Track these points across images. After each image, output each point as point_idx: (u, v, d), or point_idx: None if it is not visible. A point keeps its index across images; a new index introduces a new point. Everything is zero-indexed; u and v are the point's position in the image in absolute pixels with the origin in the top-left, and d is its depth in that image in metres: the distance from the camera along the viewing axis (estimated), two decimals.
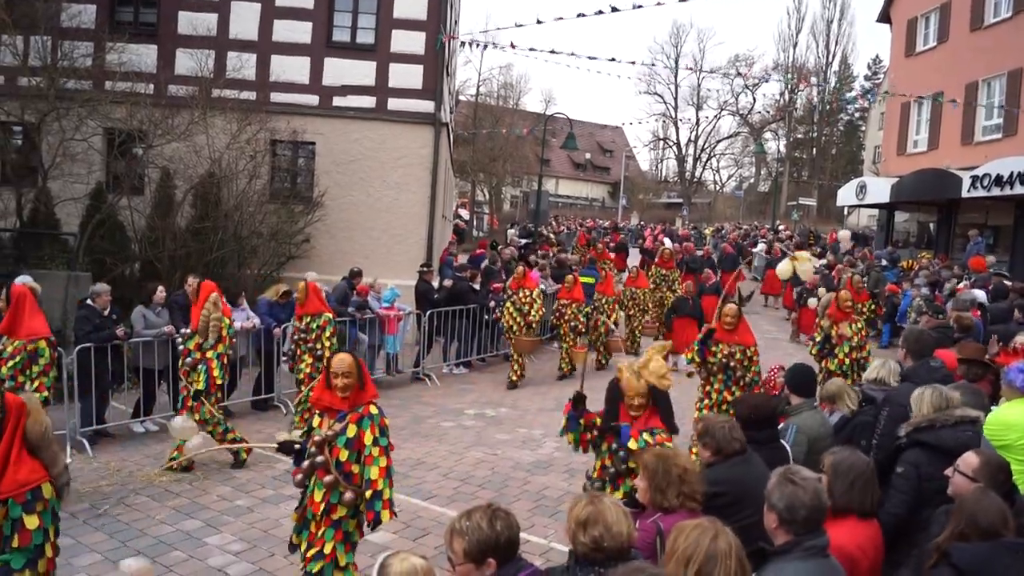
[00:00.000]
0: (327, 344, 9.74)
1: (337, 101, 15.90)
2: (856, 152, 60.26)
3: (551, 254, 19.72)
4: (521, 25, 15.38)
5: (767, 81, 55.28)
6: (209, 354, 8.20)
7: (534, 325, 13.09)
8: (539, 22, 14.48)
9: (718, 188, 69.33)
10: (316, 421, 4.89)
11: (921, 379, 5.45)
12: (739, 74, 45.52)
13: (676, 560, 2.72)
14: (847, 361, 9.56)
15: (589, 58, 15.34)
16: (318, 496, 4.69)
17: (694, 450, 6.42)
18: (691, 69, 54.83)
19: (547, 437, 9.73)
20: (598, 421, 5.33)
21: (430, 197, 16.12)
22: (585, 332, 13.84)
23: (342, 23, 16.04)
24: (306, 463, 4.70)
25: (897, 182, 22.51)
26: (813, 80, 55.79)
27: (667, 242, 21.20)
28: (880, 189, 23.65)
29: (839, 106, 59.48)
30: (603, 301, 14.36)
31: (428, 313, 12.85)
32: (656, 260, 18.38)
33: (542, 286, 15.39)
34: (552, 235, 28.03)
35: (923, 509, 4.33)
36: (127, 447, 9.04)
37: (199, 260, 12.96)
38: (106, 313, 9.27)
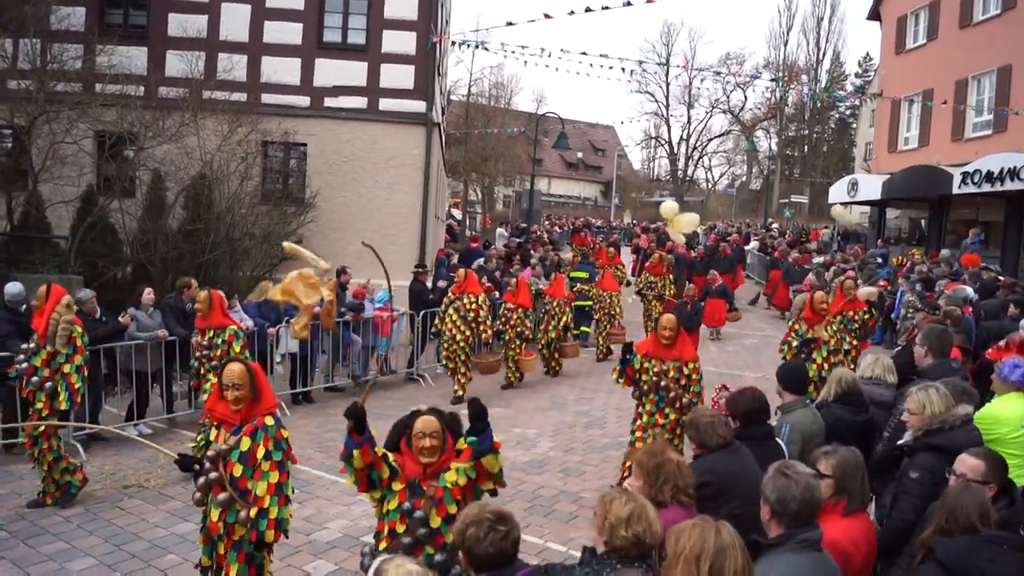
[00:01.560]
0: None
1: (328, 102, 15.88)
2: (847, 149, 60.47)
3: (543, 253, 19.74)
4: (512, 24, 15.37)
5: (759, 77, 55.31)
6: (66, 368, 7.29)
7: (490, 340, 12.17)
8: (531, 21, 14.47)
9: (710, 186, 69.43)
10: (213, 434, 4.58)
11: (938, 377, 5.45)
12: (730, 73, 45.48)
13: (685, 560, 2.70)
14: (825, 366, 8.92)
15: (581, 54, 15.34)
16: (215, 515, 4.39)
17: (625, 471, 6.84)
18: (682, 67, 54.84)
19: (541, 437, 9.73)
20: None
21: (422, 197, 16.12)
22: (532, 338, 13.31)
23: (333, 24, 16.04)
24: (201, 480, 4.40)
25: (888, 179, 22.59)
26: (804, 78, 55.94)
27: (679, 239, 20.17)
28: (871, 186, 23.73)
29: (830, 104, 59.61)
30: (554, 304, 13.52)
31: (422, 313, 12.84)
32: (647, 265, 17.54)
33: (537, 284, 15.37)
34: (545, 234, 28.04)
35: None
36: (121, 450, 9.01)
37: (191, 262, 12.94)
38: (97, 316, 9.25)
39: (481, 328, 11.63)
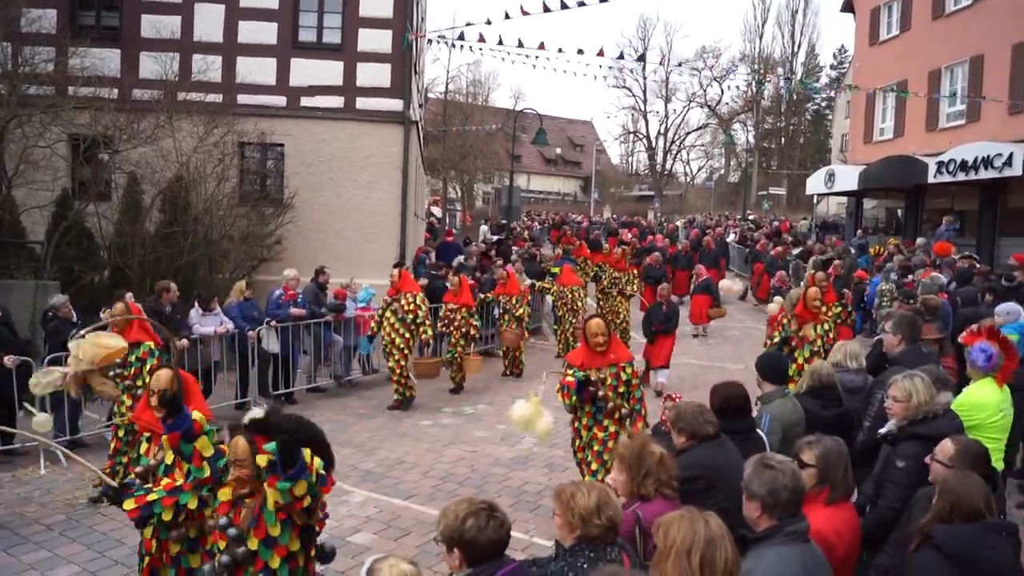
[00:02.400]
0: (148, 380, 8.78)
1: (305, 101, 15.80)
2: (824, 141, 60.89)
3: (525, 250, 19.74)
4: (489, 23, 15.32)
5: (735, 71, 55.56)
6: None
7: (430, 341, 11.36)
8: (507, 16, 14.44)
9: (689, 180, 69.72)
10: (143, 447, 4.41)
11: (911, 364, 5.50)
12: (707, 67, 45.76)
13: (676, 553, 2.71)
14: (806, 367, 7.83)
15: (558, 51, 15.35)
16: (148, 532, 4.22)
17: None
18: (660, 64, 55.01)
19: (526, 437, 9.73)
20: None
21: (401, 196, 16.08)
22: (478, 338, 13.08)
23: (308, 23, 15.95)
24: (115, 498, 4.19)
25: (865, 169, 22.78)
26: (780, 71, 56.26)
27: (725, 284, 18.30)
28: (848, 177, 23.94)
29: (806, 96, 59.99)
30: (512, 301, 13.13)
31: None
32: (611, 260, 16.14)
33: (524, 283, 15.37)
34: (525, 231, 28.03)
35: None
36: (102, 456, 8.88)
37: (169, 265, 12.83)
38: (73, 321, 9.18)
39: (421, 329, 10.96)
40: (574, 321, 13.98)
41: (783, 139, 65.48)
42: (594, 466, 6.43)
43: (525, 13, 14.04)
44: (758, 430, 4.98)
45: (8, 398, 8.61)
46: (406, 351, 10.94)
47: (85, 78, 13.55)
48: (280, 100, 15.76)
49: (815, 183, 27.06)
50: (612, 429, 6.39)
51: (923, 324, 6.91)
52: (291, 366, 11.52)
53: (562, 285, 14.57)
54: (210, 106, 14.40)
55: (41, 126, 12.90)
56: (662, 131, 65.39)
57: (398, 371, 11.01)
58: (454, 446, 9.32)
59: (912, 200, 23.27)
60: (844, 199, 29.98)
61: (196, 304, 10.71)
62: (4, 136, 12.77)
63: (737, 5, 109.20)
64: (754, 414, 5.26)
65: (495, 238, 23.63)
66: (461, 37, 15.61)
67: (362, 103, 15.87)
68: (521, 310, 13.19)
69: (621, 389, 6.37)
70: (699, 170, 70.12)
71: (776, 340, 8.90)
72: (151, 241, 13.23)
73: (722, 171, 69.10)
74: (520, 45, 15.55)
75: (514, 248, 20.01)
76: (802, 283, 11.94)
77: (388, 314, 10.98)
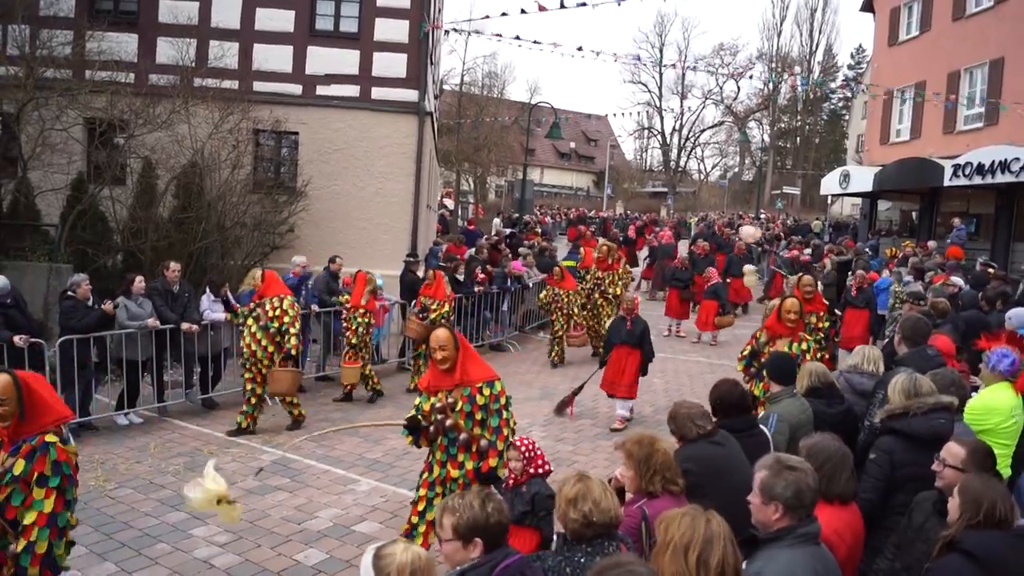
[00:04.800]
0: None
1: (320, 90, 15.82)
2: (840, 141, 60.63)
3: (536, 243, 19.70)
4: (505, 14, 15.31)
5: (752, 69, 55.31)
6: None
7: (297, 352, 9.55)
8: (523, 12, 14.43)
9: (703, 177, 69.53)
10: None
11: (915, 366, 5.49)
12: (723, 64, 45.57)
13: (674, 549, 2.71)
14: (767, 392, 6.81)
15: (577, 49, 15.33)
16: None
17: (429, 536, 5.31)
18: (673, 65, 54.90)
19: (533, 426, 9.75)
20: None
21: (414, 187, 16.08)
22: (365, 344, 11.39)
23: (325, 11, 15.97)
24: None
25: (880, 171, 22.64)
26: (797, 69, 55.98)
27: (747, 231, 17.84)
28: (863, 178, 23.78)
29: (823, 95, 59.69)
30: (434, 305, 11.69)
31: (413, 303, 12.81)
32: (596, 259, 14.88)
33: (527, 276, 15.33)
34: (537, 225, 27.97)
35: (897, 494, 4.40)
36: (112, 440, 8.98)
37: (182, 250, 12.85)
38: (89, 303, 9.20)
39: (286, 339, 9.25)
40: (567, 328, 13.44)
41: (798, 138, 65.18)
42: (420, 506, 5.40)
43: (542, 9, 14.01)
44: (762, 427, 4.97)
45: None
46: (266, 363, 9.29)
47: (102, 62, 13.61)
48: (296, 88, 15.78)
49: (830, 183, 26.90)
50: (469, 466, 5.16)
51: (931, 328, 6.88)
52: (301, 355, 11.52)
53: (556, 287, 13.55)
54: (226, 93, 14.42)
55: (58, 109, 12.95)
56: (677, 128, 65.27)
57: (249, 388, 9.40)
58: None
59: (927, 203, 23.13)
60: (858, 200, 29.80)
61: (207, 290, 10.76)
62: (21, 118, 12.84)
63: (755, 2, 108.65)
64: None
65: (507, 231, 23.60)
66: (478, 30, 15.59)
67: (377, 93, 15.87)
68: (436, 312, 11.56)
69: (478, 416, 5.14)
70: (713, 167, 70.02)
71: (746, 353, 7.89)
72: (164, 226, 13.28)
73: (736, 169, 68.90)
74: (536, 43, 15.52)
75: (525, 242, 19.97)
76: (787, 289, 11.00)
77: (250, 322, 9.37)
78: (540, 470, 4.81)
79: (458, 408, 5.15)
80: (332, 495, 7.40)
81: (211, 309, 10.48)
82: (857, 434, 5.52)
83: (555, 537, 3.52)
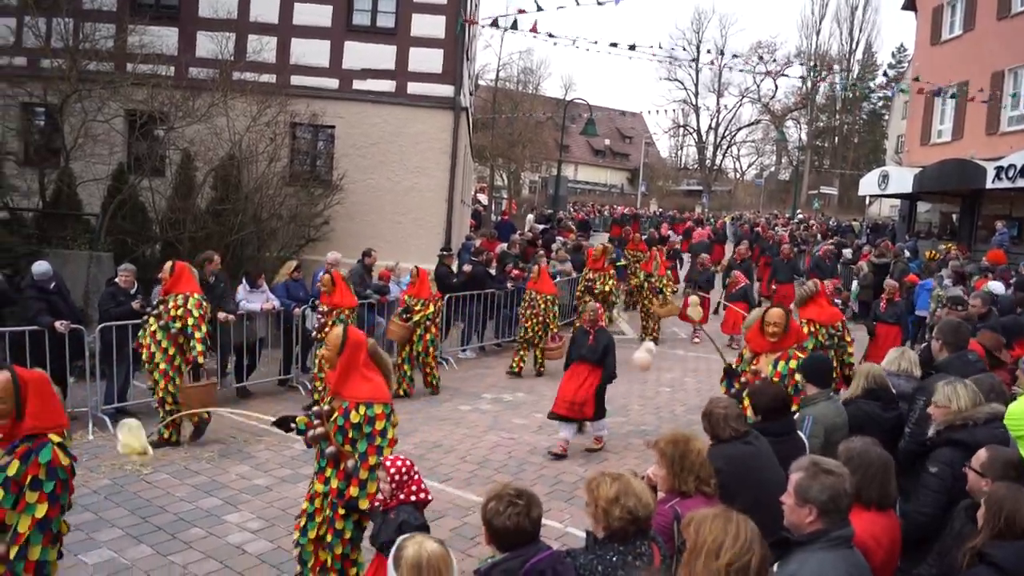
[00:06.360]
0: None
1: (357, 85, 15.92)
2: (879, 141, 59.79)
3: (571, 240, 19.64)
4: (541, 10, 15.30)
5: (789, 67, 54.69)
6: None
7: (199, 360, 8.31)
8: (560, 8, 14.41)
9: (738, 176, 68.96)
10: None
11: (956, 371, 5.40)
12: (761, 61, 45.09)
13: (707, 552, 2.70)
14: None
15: (612, 45, 15.32)
16: None
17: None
18: (710, 62, 54.37)
19: (562, 425, 9.72)
20: None
21: (449, 182, 16.14)
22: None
23: (362, 6, 16.07)
24: None
25: (920, 172, 22.31)
26: (836, 68, 55.30)
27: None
28: (903, 179, 23.46)
29: (862, 94, 58.89)
30: (418, 305, 11.05)
31: (446, 297, 12.87)
32: (589, 259, 14.37)
33: (553, 270, 15.15)
34: (571, 222, 27.89)
35: (952, 507, 4.31)
36: (148, 425, 9.03)
37: (219, 242, 13.01)
38: (132, 292, 9.33)
39: (191, 345, 8.26)
40: (543, 336, 12.31)
41: (836, 138, 64.39)
42: (301, 522, 4.98)
43: (578, 3, 13.97)
44: (798, 432, 4.93)
45: (60, 363, 8.83)
46: (169, 372, 8.33)
47: (143, 55, 13.81)
48: (332, 82, 15.89)
49: (868, 184, 26.57)
50: (334, 485, 4.78)
51: (971, 333, 6.77)
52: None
53: (534, 290, 12.48)
54: (264, 86, 14.58)
55: (100, 101, 13.16)
56: (713, 125, 64.80)
57: (159, 397, 8.47)
58: (492, 432, 9.36)
59: (968, 205, 22.74)
60: (897, 201, 29.38)
61: (244, 281, 10.89)
62: (64, 110, 13.08)
63: (795, 0, 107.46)
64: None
65: (541, 228, 23.58)
66: (515, 25, 15.59)
67: (413, 88, 15.94)
68: (420, 313, 11.03)
69: (350, 433, 4.72)
70: (749, 166, 69.39)
71: (725, 369, 7.00)
72: (202, 217, 13.45)
73: (773, 168, 68.26)
74: (572, 39, 15.48)
75: (559, 238, 19.94)
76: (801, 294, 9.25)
77: (151, 321, 8.38)
78: (413, 496, 4.30)
79: (333, 418, 4.77)
80: None
81: (247, 300, 10.61)
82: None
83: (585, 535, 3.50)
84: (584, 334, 8.88)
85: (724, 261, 19.48)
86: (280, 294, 11.07)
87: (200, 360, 8.31)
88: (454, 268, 13.74)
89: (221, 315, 9.97)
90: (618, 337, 15.18)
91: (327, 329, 8.92)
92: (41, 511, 3.75)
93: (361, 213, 15.67)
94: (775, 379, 6.00)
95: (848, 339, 8.91)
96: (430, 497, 4.43)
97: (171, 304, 8.25)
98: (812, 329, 8.50)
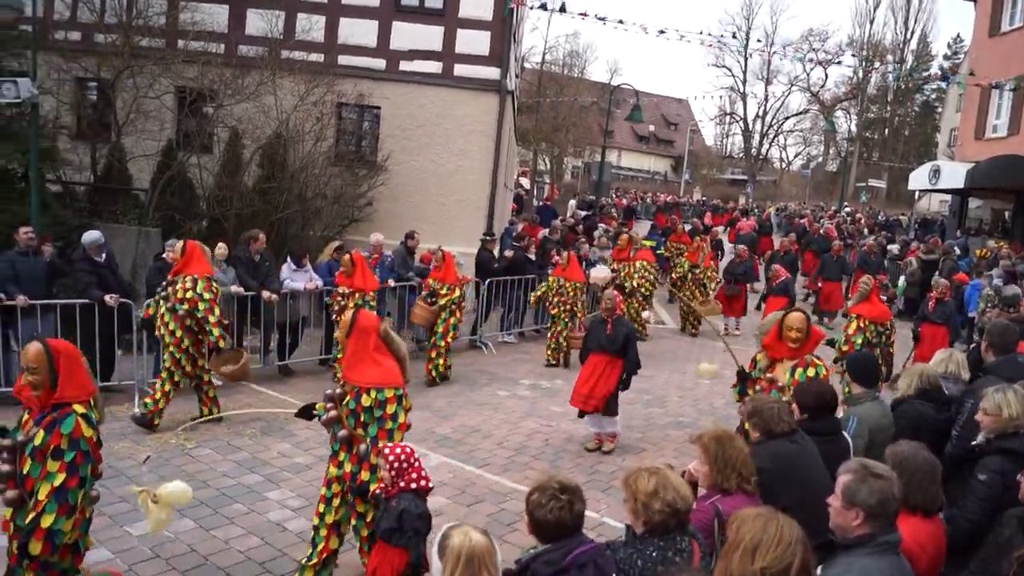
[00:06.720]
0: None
1: (403, 66, 15.90)
2: (931, 134, 58.47)
3: (614, 228, 19.50)
4: None
5: (841, 56, 53.64)
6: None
7: (220, 343, 8.22)
8: None
9: (784, 166, 68.00)
10: (24, 417, 4.11)
11: (1005, 375, 5.29)
12: (812, 49, 44.29)
13: (744, 550, 2.69)
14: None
15: (661, 32, 15.15)
16: (7, 513, 4.00)
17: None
18: (761, 50, 53.56)
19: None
20: None
21: (493, 165, 16.09)
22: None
23: None
24: (3, 468, 3.97)
25: (973, 167, 21.76)
26: (889, 58, 54.14)
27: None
28: (955, 174, 22.89)
29: (915, 86, 57.60)
30: (443, 289, 10.89)
31: (487, 282, 12.89)
32: (614, 250, 14.08)
33: (594, 257, 15.01)
34: (613, 208, 27.70)
35: (999, 514, 4.24)
36: (193, 400, 9.21)
37: (265, 220, 13.15)
38: None
39: (214, 326, 8.13)
40: (569, 324, 11.97)
41: (887, 130, 63.09)
42: (320, 509, 5.07)
43: None
44: (843, 432, 4.86)
45: (109, 336, 9.01)
46: (176, 355, 8.21)
47: (195, 32, 13.95)
48: (379, 63, 15.89)
49: (918, 178, 25.98)
50: (348, 468, 4.84)
51: (1019, 335, 6.61)
52: None
53: (562, 277, 12.13)
54: (312, 65, 14.62)
55: (151, 77, 13.35)
56: (760, 114, 63.90)
57: (161, 381, 8.31)
58: (530, 419, 9.37)
59: (1022, 203, 22.16)
60: (947, 197, 28.75)
61: (288, 259, 10.99)
62: (116, 86, 13.28)
63: None
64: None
65: (583, 214, 23.47)
66: (563, 8, 15.46)
67: (460, 70, 15.88)
68: (446, 297, 10.85)
69: (362, 417, 4.77)
70: (795, 156, 68.46)
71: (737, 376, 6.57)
72: (248, 195, 13.59)
73: (820, 159, 67.16)
74: (620, 22, 15.35)
75: (600, 225, 19.84)
76: (860, 291, 8.96)
77: (161, 302, 8.29)
78: (414, 484, 4.31)
79: (345, 402, 4.83)
80: None
81: (291, 279, 10.71)
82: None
83: (624, 528, 3.49)
84: (601, 323, 8.44)
85: (768, 253, 19.18)
86: (323, 273, 11.15)
87: (221, 344, 8.20)
88: (495, 253, 13.73)
89: (265, 294, 10.11)
90: (659, 327, 15.20)
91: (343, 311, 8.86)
92: (59, 480, 3.82)
93: (405, 195, 15.71)
94: (792, 387, 5.54)
95: (893, 339, 8.80)
96: (431, 485, 4.44)
97: (179, 286, 8.06)
98: (861, 325, 8.46)
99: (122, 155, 13.64)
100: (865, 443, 4.91)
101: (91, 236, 9.27)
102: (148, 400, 8.22)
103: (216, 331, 8.13)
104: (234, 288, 9.88)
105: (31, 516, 3.79)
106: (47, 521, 3.78)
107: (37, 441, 3.85)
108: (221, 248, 10.10)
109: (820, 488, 3.78)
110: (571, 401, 8.42)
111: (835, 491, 3.18)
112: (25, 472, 3.88)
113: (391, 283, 11.65)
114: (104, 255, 9.28)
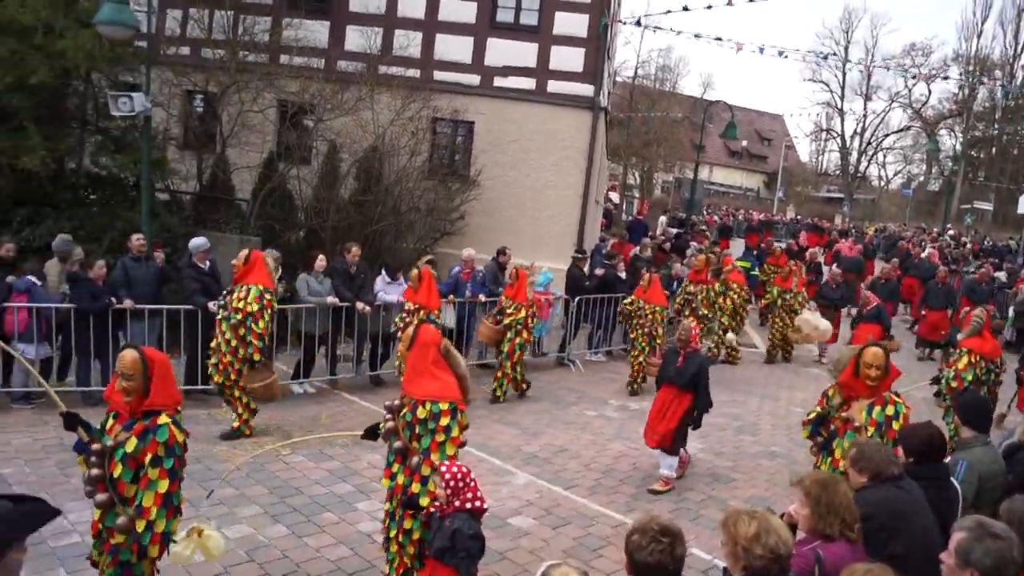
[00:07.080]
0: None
1: (498, 82, 16.04)
2: None
3: (705, 247, 19.16)
4: (687, 9, 15.02)
5: (946, 72, 51.68)
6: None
7: (252, 358, 8.20)
8: (708, 7, 14.10)
9: (883, 184, 65.81)
10: (109, 423, 4.23)
11: None
12: (914, 64, 42.83)
13: None
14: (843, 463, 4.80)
15: (758, 50, 14.88)
16: (96, 514, 4.15)
17: None
18: (860, 63, 52.09)
19: (690, 438, 9.52)
20: None
21: (584, 182, 16.06)
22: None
23: (506, 4, 16.14)
24: (93, 471, 4.07)
25: None
26: (998, 74, 51.90)
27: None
28: None
29: None
30: (512, 308, 10.65)
31: (576, 299, 12.84)
32: (691, 271, 13.61)
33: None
34: (704, 226, 27.24)
35: None
36: (286, 407, 9.50)
37: (360, 231, 13.42)
38: (277, 276, 9.73)
39: (254, 337, 8.11)
40: (647, 349, 11.40)
41: (994, 149, 60.37)
42: (385, 522, 5.20)
43: (730, 4, 13.63)
44: (952, 479, 4.63)
45: (209, 341, 9.31)
46: (225, 362, 8.18)
47: (297, 48, 14.39)
48: (474, 79, 16.07)
49: None
50: (400, 481, 4.92)
51: None
52: (465, 341, 11.78)
53: (642, 299, 11.68)
54: (408, 81, 14.90)
55: (256, 92, 13.84)
56: (858, 130, 62.04)
57: (227, 393, 8.33)
58: (618, 441, 9.27)
59: None
60: None
61: (383, 272, 11.19)
62: (222, 99, 13.81)
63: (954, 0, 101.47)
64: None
65: (674, 231, 23.17)
66: (658, 26, 15.34)
67: (553, 86, 15.94)
68: (511, 317, 10.62)
69: (417, 429, 4.87)
70: (895, 175, 66.04)
71: (811, 417, 6.04)
72: (345, 207, 13.90)
73: (921, 178, 64.69)
74: (717, 39, 15.15)
75: (692, 244, 19.55)
76: (974, 324, 8.55)
77: (220, 312, 8.37)
78: (469, 504, 4.29)
79: (402, 414, 4.93)
80: (488, 485, 7.46)
81: (384, 291, 10.90)
82: None
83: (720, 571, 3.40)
84: (674, 354, 7.99)
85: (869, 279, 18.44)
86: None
87: (256, 357, 8.16)
88: (586, 270, 13.67)
89: (359, 305, 10.32)
90: (750, 351, 14.85)
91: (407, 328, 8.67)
92: (163, 486, 4.04)
93: (497, 209, 15.81)
94: (870, 428, 5.36)
95: (1002, 377, 8.40)
96: (486, 506, 4.43)
97: (236, 296, 8.12)
98: (973, 360, 8.11)
99: (226, 166, 14.17)
100: (974, 490, 4.68)
101: (197, 241, 9.66)
102: (235, 424, 8.33)
103: (256, 342, 8.13)
104: (330, 299, 10.12)
105: (143, 523, 3.98)
106: (160, 527, 4.04)
107: (129, 448, 4.01)
108: (320, 260, 10.36)
109: (928, 538, 3.62)
110: (645, 439, 8.00)
111: (949, 548, 3.04)
112: (116, 476, 4.02)
113: (453, 299, 11.40)
114: (208, 262, 9.63)
